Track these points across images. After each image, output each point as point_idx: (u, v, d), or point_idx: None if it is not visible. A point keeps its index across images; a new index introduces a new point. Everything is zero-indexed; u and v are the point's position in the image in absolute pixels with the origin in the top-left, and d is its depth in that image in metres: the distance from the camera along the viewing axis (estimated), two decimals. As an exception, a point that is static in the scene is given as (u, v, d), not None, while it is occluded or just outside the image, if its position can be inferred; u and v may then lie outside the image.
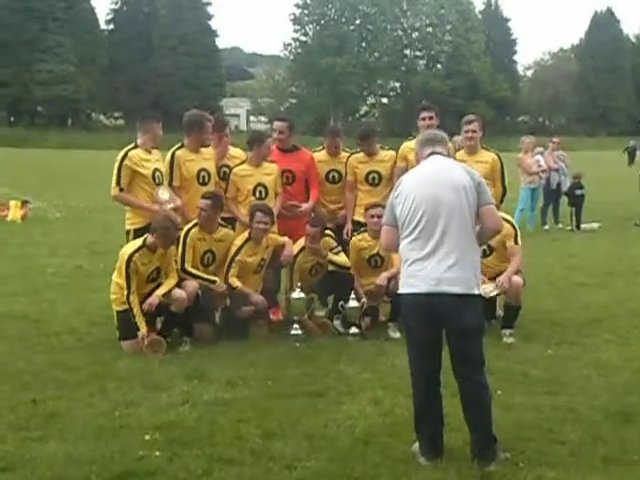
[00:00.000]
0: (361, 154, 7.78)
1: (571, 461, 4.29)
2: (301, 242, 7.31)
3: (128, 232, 7.04)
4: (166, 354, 6.39)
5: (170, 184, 7.09)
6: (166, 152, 7.23)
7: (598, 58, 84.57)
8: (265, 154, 7.50)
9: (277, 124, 7.88)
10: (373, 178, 7.72)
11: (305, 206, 7.68)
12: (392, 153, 7.82)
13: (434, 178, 4.28)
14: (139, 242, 6.55)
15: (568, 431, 4.70)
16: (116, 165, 6.89)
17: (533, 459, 4.27)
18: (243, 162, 7.55)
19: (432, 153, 4.45)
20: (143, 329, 6.47)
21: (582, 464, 4.24)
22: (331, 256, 7.28)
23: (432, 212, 4.19)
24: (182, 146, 7.23)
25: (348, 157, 7.82)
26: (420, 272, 4.19)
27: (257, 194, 7.39)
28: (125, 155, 6.91)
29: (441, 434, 4.34)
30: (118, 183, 6.89)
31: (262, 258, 7.14)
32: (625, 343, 6.84)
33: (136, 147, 7.00)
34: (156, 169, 7.01)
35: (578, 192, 15.70)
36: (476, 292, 4.21)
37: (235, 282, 6.96)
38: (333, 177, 7.85)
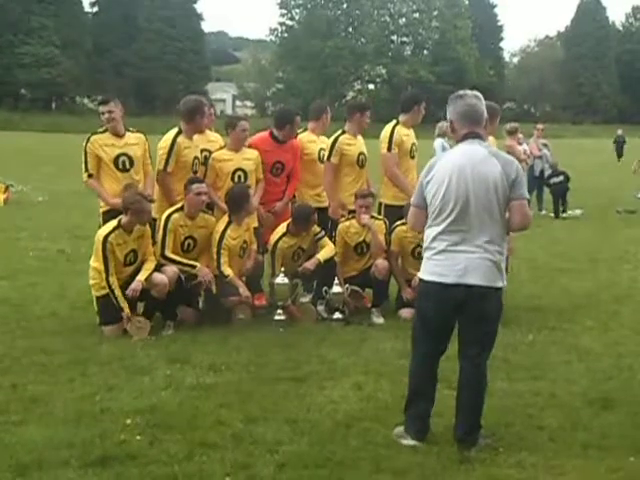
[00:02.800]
0: (346, 135, 7.71)
1: (551, 446, 4.32)
2: (281, 228, 7.28)
3: (99, 215, 7.05)
4: (148, 338, 6.37)
5: (164, 169, 7.01)
6: (150, 135, 7.19)
7: (584, 45, 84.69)
8: (241, 138, 7.42)
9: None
10: (362, 160, 7.72)
11: (279, 205, 7.63)
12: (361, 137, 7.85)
13: (468, 172, 4.17)
14: (114, 223, 6.51)
15: (548, 416, 4.74)
16: (82, 151, 6.89)
17: (513, 444, 4.30)
18: (223, 147, 7.50)
19: (469, 134, 4.30)
20: (126, 309, 6.45)
21: (562, 449, 4.28)
22: (324, 255, 7.23)
23: (462, 206, 4.16)
24: (180, 132, 7.14)
25: (335, 139, 7.67)
26: (446, 262, 4.20)
27: (236, 179, 7.33)
28: (87, 140, 6.90)
29: (429, 415, 4.38)
30: (86, 169, 6.89)
31: (244, 240, 7.11)
32: (606, 329, 6.89)
33: (106, 131, 6.95)
34: (122, 154, 6.91)
35: (555, 180, 15.80)
36: (499, 285, 4.24)
37: (227, 270, 6.92)
38: (362, 160, 7.76)
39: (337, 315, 7.10)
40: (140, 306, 6.78)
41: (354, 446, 4.28)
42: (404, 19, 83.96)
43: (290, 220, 7.26)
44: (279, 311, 6.96)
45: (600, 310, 7.59)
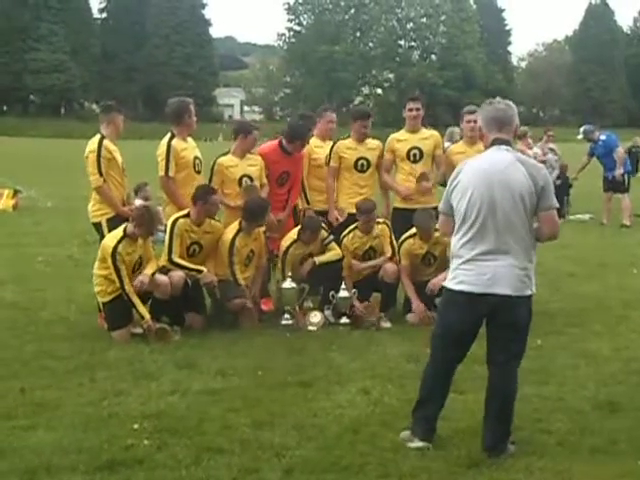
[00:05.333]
0: (349, 140, 7.74)
1: (559, 451, 4.30)
2: (293, 234, 7.29)
3: (99, 224, 6.99)
4: (155, 343, 6.38)
5: (166, 174, 7.03)
6: (159, 141, 7.21)
7: (592, 49, 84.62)
8: (250, 146, 7.49)
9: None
10: (362, 165, 7.68)
11: (282, 215, 7.62)
12: (379, 142, 7.83)
13: (493, 179, 4.10)
14: (120, 233, 6.53)
15: (556, 421, 4.72)
16: (93, 155, 6.85)
17: (521, 448, 4.28)
18: (227, 153, 7.51)
19: (497, 141, 4.22)
20: (147, 316, 6.48)
21: (570, 454, 4.26)
22: (321, 258, 7.26)
23: (488, 214, 4.08)
24: (173, 136, 7.18)
25: (334, 143, 7.77)
26: (473, 272, 4.13)
27: (243, 184, 7.35)
28: (100, 145, 6.88)
29: (437, 417, 4.36)
30: (101, 174, 6.86)
31: (251, 249, 7.11)
32: (614, 333, 6.86)
33: (104, 137, 6.98)
34: (122, 160, 7.08)
35: (557, 182, 15.81)
36: (528, 293, 4.19)
37: (242, 282, 6.95)
38: (362, 165, 7.71)
39: (344, 319, 7.10)
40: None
41: (361, 451, 4.27)
42: (412, 24, 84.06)
43: (300, 228, 7.27)
44: (286, 316, 6.97)
45: (609, 314, 7.56)
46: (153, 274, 6.59)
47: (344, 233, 7.39)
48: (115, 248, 6.43)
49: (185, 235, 6.85)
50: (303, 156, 7.77)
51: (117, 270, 6.43)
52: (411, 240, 7.22)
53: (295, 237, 7.26)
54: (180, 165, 7.07)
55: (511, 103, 4.36)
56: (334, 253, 7.30)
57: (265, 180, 7.51)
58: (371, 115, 7.96)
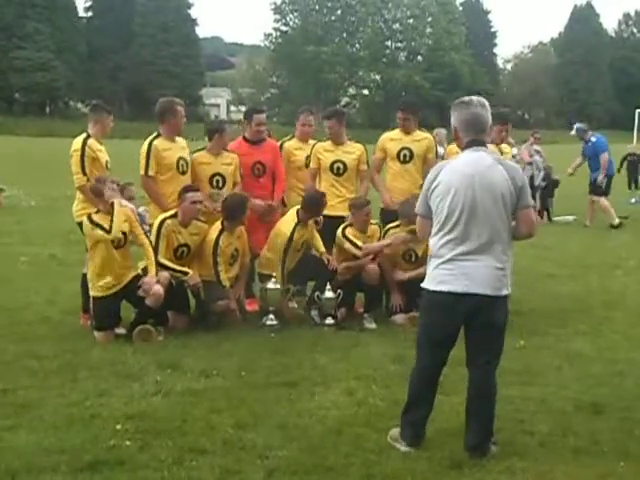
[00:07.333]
0: (328, 142, 7.73)
1: (541, 452, 4.32)
2: (292, 218, 7.22)
3: (81, 223, 6.95)
4: (139, 343, 6.34)
5: (146, 173, 7.01)
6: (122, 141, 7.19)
7: (577, 52, 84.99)
8: (225, 143, 7.46)
9: (258, 117, 7.74)
10: (338, 168, 7.65)
11: (274, 202, 7.63)
12: (360, 146, 7.79)
13: (475, 180, 4.11)
14: (93, 210, 6.58)
15: (539, 422, 4.74)
16: (77, 155, 6.80)
17: (503, 450, 4.29)
18: (202, 149, 7.48)
19: (473, 142, 4.23)
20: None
21: (552, 455, 4.28)
22: (315, 240, 7.33)
23: (469, 215, 4.10)
24: (158, 135, 7.16)
25: (314, 145, 7.77)
26: (453, 272, 4.14)
27: (214, 183, 7.34)
28: (85, 144, 6.84)
29: (426, 421, 4.37)
30: (85, 173, 6.82)
31: (235, 248, 7.09)
32: (597, 334, 6.90)
33: (89, 137, 6.94)
34: (106, 160, 7.03)
35: (541, 184, 15.95)
36: (505, 293, 4.20)
37: (226, 282, 6.92)
38: (338, 168, 7.68)
39: (329, 320, 7.10)
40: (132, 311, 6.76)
41: (345, 452, 4.27)
42: (398, 24, 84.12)
43: (300, 208, 7.22)
44: (271, 316, 6.96)
45: (591, 315, 7.60)
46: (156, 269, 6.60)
47: (339, 229, 7.39)
48: (89, 217, 6.50)
49: (172, 236, 6.82)
50: (275, 146, 7.80)
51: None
52: (397, 230, 7.24)
53: (296, 220, 7.19)
54: (163, 166, 7.04)
55: (485, 102, 4.33)
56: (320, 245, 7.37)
57: (239, 179, 7.47)
58: (332, 115, 7.78)
